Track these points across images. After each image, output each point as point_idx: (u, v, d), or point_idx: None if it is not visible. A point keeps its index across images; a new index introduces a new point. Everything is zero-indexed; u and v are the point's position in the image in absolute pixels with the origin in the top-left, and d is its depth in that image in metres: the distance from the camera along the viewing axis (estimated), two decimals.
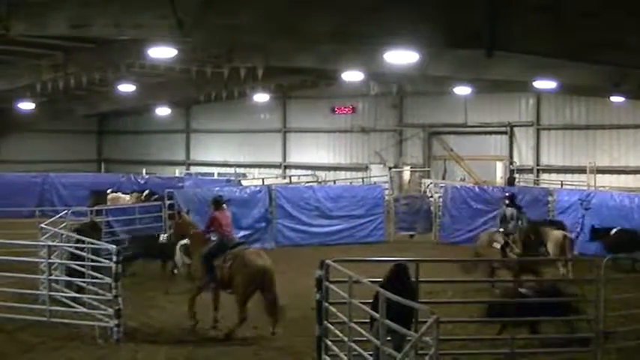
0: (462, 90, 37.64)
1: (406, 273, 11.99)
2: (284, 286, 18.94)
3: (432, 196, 31.37)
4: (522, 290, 14.16)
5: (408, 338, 10.08)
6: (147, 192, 32.06)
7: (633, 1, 10.25)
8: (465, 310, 15.90)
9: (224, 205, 16.71)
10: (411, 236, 29.23)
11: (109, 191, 33.21)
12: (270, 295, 15.05)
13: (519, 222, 19.84)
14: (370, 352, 10.97)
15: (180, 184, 34.87)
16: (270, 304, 15.03)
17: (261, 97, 44.80)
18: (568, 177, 38.66)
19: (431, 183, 35.09)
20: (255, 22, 13.29)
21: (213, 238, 16.06)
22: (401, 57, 20.96)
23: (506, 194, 21.82)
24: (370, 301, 11.23)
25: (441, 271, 17.21)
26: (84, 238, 17.35)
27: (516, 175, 38.80)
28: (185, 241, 17.89)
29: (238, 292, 15.17)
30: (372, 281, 11.45)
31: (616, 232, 25.20)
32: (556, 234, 21.18)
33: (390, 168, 43.24)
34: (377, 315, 10.37)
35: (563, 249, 20.57)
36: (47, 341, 14.45)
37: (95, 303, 15.38)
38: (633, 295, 14.74)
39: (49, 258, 16.65)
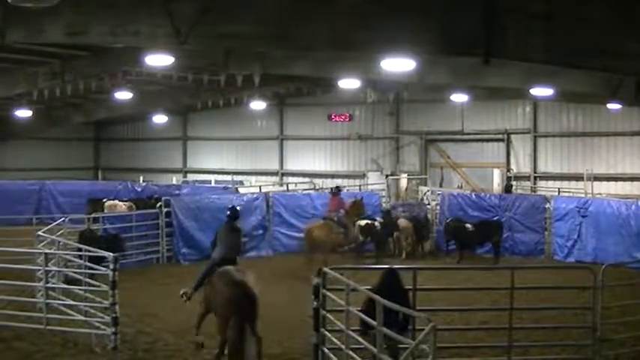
0: (459, 97, 37.59)
1: (398, 279, 11.91)
2: (281, 293, 18.92)
3: (429, 204, 31.35)
4: None
5: (405, 346, 10.04)
6: (154, 197, 31.57)
7: (629, 8, 10.26)
8: (462, 318, 15.93)
9: (337, 192, 26.01)
10: None
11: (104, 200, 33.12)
12: None
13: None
14: None
15: (177, 192, 34.79)
16: None
17: (257, 105, 44.68)
18: (565, 184, 38.61)
19: (428, 190, 35.01)
20: (253, 29, 13.29)
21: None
22: (398, 64, 20.91)
23: (228, 209, 14.80)
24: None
25: (437, 278, 17.21)
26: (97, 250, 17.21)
27: (513, 183, 38.75)
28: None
29: None
30: (368, 289, 11.41)
31: (447, 222, 25.99)
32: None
33: (387, 175, 43.13)
34: (373, 322, 10.32)
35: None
36: (44, 349, 14.41)
37: (92, 311, 15.35)
38: (632, 302, 14.71)
39: (46, 266, 16.63)
